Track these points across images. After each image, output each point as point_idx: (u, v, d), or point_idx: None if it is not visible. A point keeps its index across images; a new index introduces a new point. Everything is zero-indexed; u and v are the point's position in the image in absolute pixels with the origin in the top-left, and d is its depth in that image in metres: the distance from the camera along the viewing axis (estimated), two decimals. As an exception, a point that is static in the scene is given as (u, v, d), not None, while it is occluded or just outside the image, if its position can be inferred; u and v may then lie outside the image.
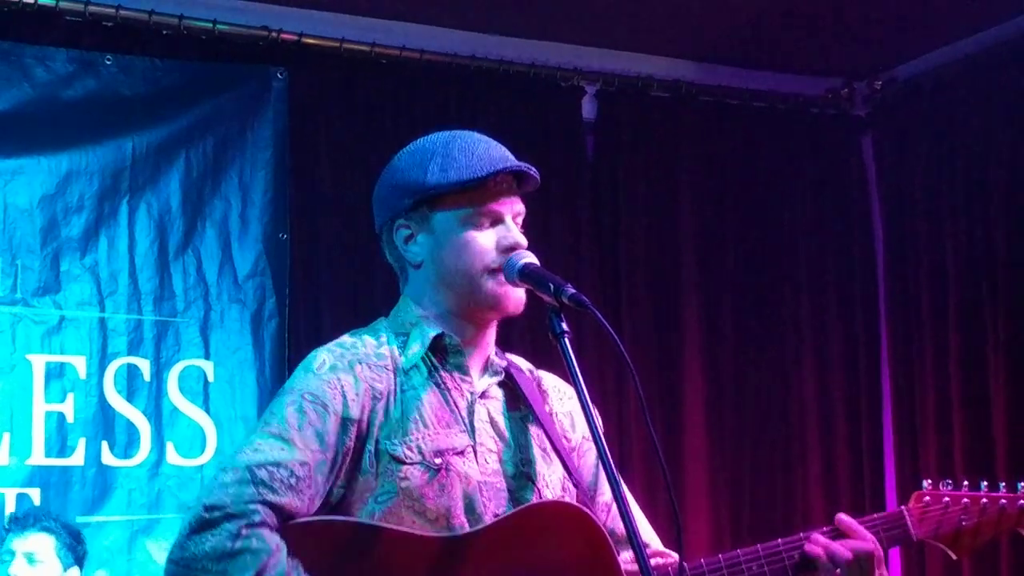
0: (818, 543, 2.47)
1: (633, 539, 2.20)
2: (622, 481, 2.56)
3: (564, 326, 2.31)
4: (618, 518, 2.58)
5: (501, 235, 2.46)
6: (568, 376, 2.38)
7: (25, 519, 4.31)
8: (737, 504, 5.74)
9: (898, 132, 6.01)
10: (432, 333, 2.49)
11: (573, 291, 2.30)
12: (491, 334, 2.57)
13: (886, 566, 2.49)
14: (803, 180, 6.10)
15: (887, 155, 6.07)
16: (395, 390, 2.45)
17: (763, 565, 2.45)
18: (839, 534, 2.47)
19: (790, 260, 6.03)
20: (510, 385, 2.57)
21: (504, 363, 2.58)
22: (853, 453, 5.96)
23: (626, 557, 2.55)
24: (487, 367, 2.56)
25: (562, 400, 2.63)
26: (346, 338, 2.53)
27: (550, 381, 2.67)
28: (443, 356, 2.51)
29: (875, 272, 6.12)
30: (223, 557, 2.23)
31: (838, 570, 2.45)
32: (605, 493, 2.62)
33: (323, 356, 2.47)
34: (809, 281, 6.03)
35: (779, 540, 2.48)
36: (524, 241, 2.47)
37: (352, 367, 2.44)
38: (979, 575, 5.37)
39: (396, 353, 2.48)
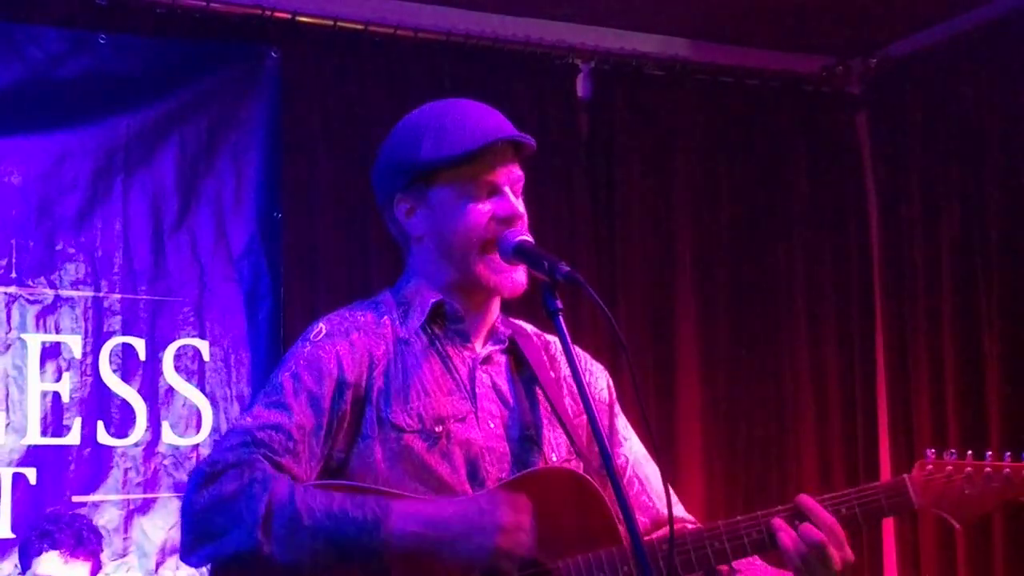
0: (779, 524, 2.46)
1: (625, 511, 2.20)
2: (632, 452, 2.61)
3: (558, 304, 2.31)
4: (636, 483, 2.61)
5: (498, 206, 2.46)
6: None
7: (63, 536, 4.24)
8: (731, 479, 5.75)
9: (892, 109, 6.01)
10: (432, 300, 2.50)
11: (568, 269, 2.30)
12: (494, 303, 2.58)
13: (850, 545, 2.47)
14: (798, 157, 6.10)
15: (881, 132, 6.08)
16: (395, 358, 2.46)
17: (723, 541, 2.45)
18: (798, 514, 2.47)
19: (785, 237, 6.03)
20: (514, 352, 2.58)
21: (508, 331, 2.58)
22: (846, 419, 5.99)
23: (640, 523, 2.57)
24: (490, 335, 2.56)
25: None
26: (344, 310, 2.55)
27: (559, 345, 2.65)
28: (443, 324, 2.52)
29: (870, 249, 6.12)
30: (233, 496, 2.27)
31: (795, 552, 2.44)
32: (620, 457, 2.64)
33: (320, 325, 2.50)
34: (804, 258, 6.03)
35: (740, 517, 2.48)
36: (521, 210, 2.47)
37: (348, 334, 2.46)
38: (972, 544, 5.40)
39: (397, 323, 2.50)
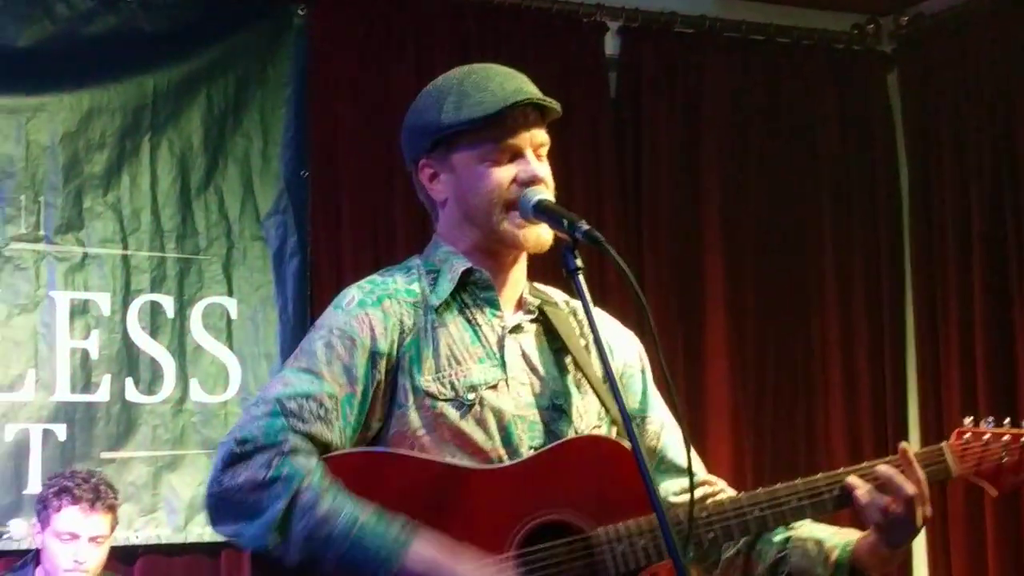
0: (859, 483, 2.45)
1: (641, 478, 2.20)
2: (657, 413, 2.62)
3: (578, 263, 2.30)
4: (669, 446, 2.61)
5: (520, 168, 2.44)
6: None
7: (82, 491, 4.23)
8: (759, 443, 5.74)
9: (923, 68, 5.95)
10: (462, 267, 2.49)
11: (587, 227, 2.28)
12: (521, 269, 2.56)
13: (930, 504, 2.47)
14: (828, 116, 6.05)
15: (912, 91, 6.02)
16: (426, 327, 2.45)
17: (803, 498, 2.44)
18: (897, 465, 2.45)
19: (814, 198, 5.99)
20: (543, 321, 2.57)
21: (537, 301, 2.57)
22: (876, 390, 5.94)
23: (668, 486, 2.57)
24: (519, 304, 2.55)
25: (601, 329, 2.56)
26: (376, 276, 2.53)
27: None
28: (473, 291, 2.51)
29: (900, 208, 6.08)
30: (257, 487, 2.26)
31: (876, 507, 2.43)
32: (654, 421, 2.63)
33: (352, 293, 2.48)
34: (833, 218, 5.99)
35: (819, 475, 2.48)
36: (543, 173, 2.45)
37: (380, 302, 2.44)
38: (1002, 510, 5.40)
39: (427, 290, 2.49)
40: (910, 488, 2.40)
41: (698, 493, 2.52)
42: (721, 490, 2.59)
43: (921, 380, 5.86)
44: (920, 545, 5.73)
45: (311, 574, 2.29)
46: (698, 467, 2.59)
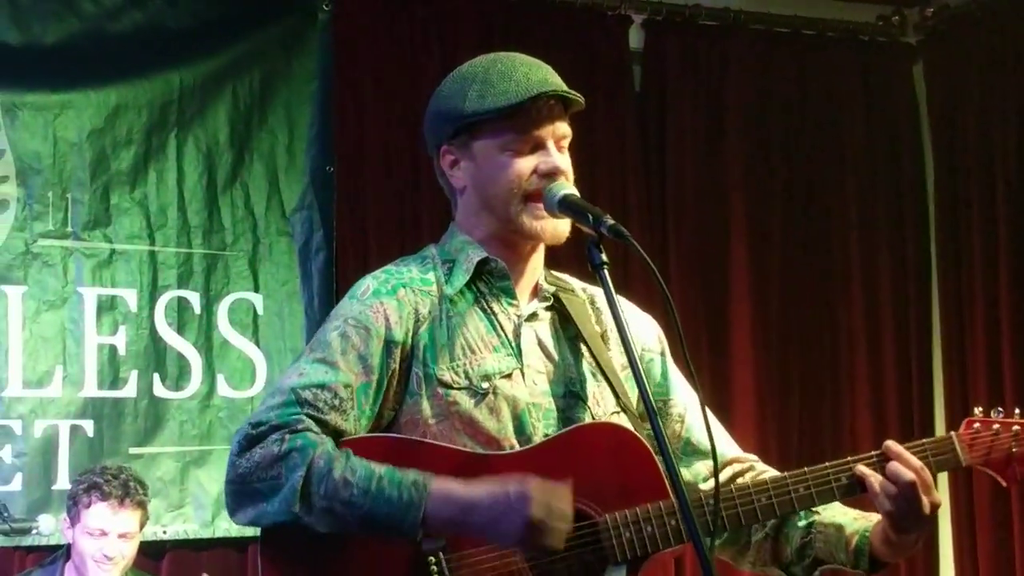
0: (865, 469, 2.46)
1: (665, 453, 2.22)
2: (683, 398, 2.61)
3: (603, 257, 2.30)
4: (694, 428, 2.60)
5: (541, 160, 2.44)
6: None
7: (111, 488, 4.25)
8: (784, 435, 5.73)
9: (949, 60, 5.94)
10: (477, 258, 2.49)
11: (612, 222, 2.29)
12: (538, 258, 2.56)
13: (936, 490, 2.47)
14: (853, 108, 6.04)
15: (938, 83, 6.01)
16: (440, 315, 2.46)
17: (810, 486, 2.45)
18: (886, 460, 2.46)
19: (839, 189, 5.98)
20: (559, 308, 2.57)
21: (552, 289, 2.57)
22: (902, 380, 5.94)
23: (697, 469, 2.56)
24: (535, 293, 2.56)
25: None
26: (391, 266, 2.54)
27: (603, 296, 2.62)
28: (489, 281, 2.51)
29: (925, 200, 6.06)
30: (273, 463, 2.28)
31: (884, 495, 2.43)
32: (677, 404, 2.62)
33: (367, 283, 2.49)
34: (859, 210, 5.98)
35: (827, 463, 2.48)
36: (564, 165, 2.45)
37: (395, 291, 2.45)
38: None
39: (442, 279, 2.49)
40: (908, 475, 2.41)
41: (728, 472, 2.54)
42: (750, 467, 2.59)
43: (947, 370, 5.85)
44: (947, 540, 5.72)
45: (331, 543, 2.31)
46: (727, 446, 2.60)
